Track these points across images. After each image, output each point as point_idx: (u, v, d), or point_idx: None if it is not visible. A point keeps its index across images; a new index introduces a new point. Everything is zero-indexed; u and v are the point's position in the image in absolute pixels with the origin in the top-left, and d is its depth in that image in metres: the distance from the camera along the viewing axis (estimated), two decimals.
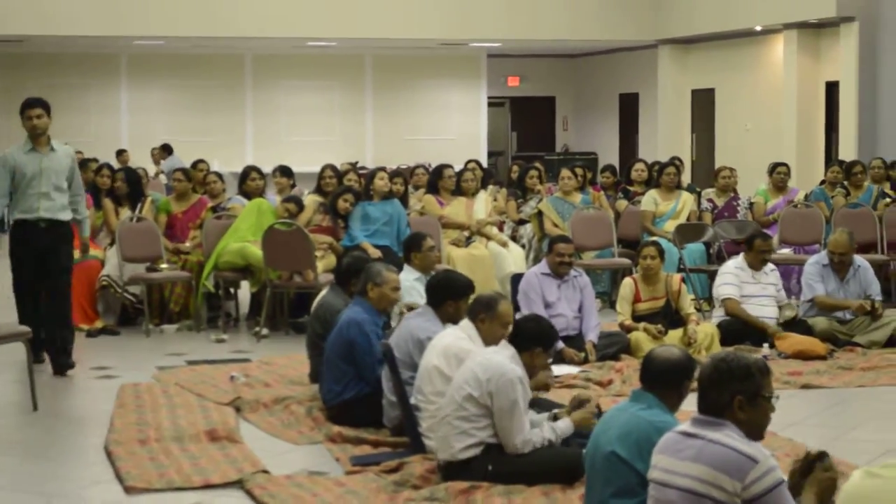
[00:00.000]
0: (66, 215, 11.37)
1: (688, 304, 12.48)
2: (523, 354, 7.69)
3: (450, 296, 8.79)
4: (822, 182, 18.38)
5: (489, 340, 8.07)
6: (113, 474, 8.14)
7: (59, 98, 29.01)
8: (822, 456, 5.70)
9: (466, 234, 15.30)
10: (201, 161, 17.30)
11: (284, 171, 16.16)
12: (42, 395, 10.15)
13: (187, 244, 14.55)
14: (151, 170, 24.06)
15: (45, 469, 8.38)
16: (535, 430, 7.61)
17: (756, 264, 12.70)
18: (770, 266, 12.96)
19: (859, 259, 13.09)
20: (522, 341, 7.77)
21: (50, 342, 11.43)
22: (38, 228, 11.24)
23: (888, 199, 17.19)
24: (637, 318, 12.24)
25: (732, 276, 12.70)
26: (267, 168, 16.92)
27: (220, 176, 16.34)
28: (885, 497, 4.62)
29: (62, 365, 11.35)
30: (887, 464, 4.71)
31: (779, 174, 17.54)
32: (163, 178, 23.16)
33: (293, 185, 16.26)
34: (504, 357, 7.63)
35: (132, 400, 10.21)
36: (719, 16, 26.15)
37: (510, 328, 8.11)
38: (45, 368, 11.27)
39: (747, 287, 12.65)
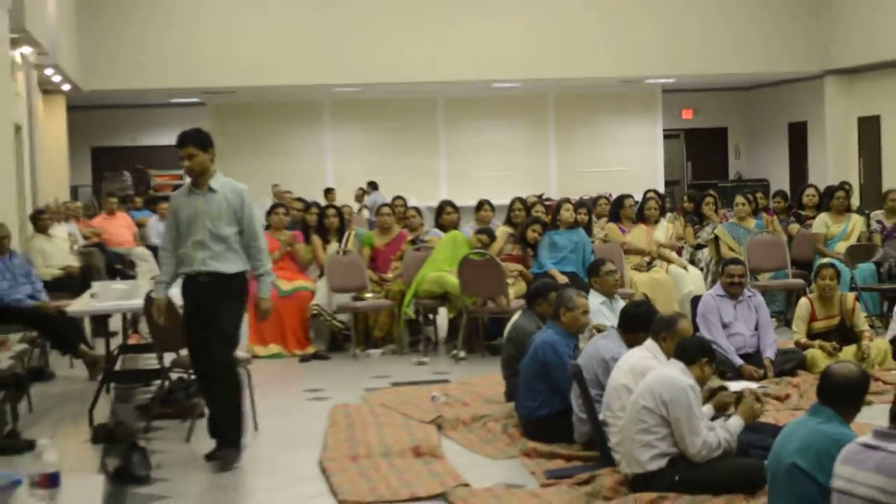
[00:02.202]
0: (230, 267, 8.97)
1: (861, 321, 12.27)
2: (692, 367, 7.74)
3: (644, 328, 8.69)
4: None
5: (671, 355, 8.03)
6: (327, 489, 8.26)
7: (268, 143, 29.83)
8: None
9: (647, 259, 15.18)
10: (399, 197, 17.41)
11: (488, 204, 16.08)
12: (262, 416, 10.31)
13: (389, 274, 14.68)
14: (355, 207, 24.27)
15: (265, 484, 8.55)
16: (710, 433, 7.59)
17: None
18: None
19: None
20: (688, 355, 7.81)
21: (213, 425, 9.20)
22: (197, 283, 9.05)
23: None
24: (812, 336, 12.07)
25: None
26: (460, 202, 16.98)
27: (418, 210, 16.47)
28: None
29: (222, 458, 8.96)
30: None
31: None
32: (365, 213, 23.37)
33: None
34: (676, 370, 7.68)
35: (343, 419, 10.34)
36: (883, 46, 25.69)
37: None
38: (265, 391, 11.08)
39: None
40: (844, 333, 12.05)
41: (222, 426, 9.06)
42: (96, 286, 12.43)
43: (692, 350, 7.93)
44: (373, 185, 26.80)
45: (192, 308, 9.21)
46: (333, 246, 15.13)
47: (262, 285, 9.29)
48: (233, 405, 9.10)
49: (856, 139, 28.00)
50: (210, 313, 8.97)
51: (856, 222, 16.35)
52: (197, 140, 8.97)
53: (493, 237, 14.61)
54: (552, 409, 9.19)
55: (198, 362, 9.23)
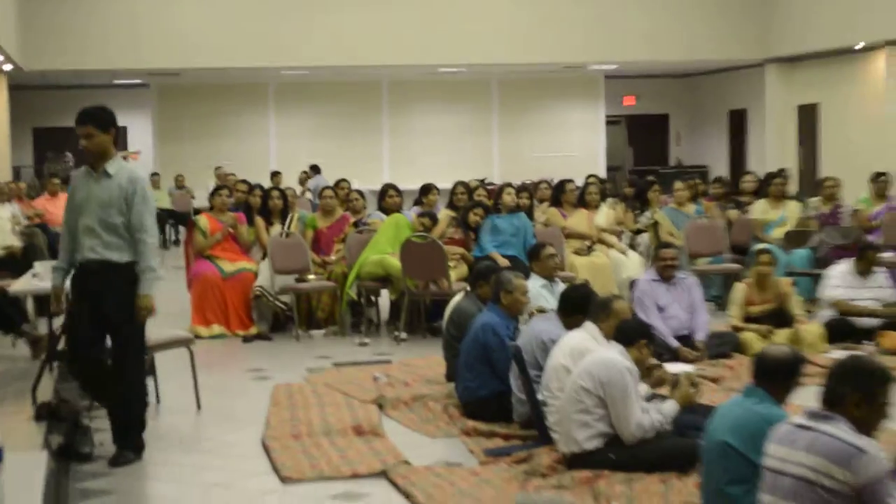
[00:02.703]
0: (120, 256, 8.11)
1: (796, 305, 12.39)
2: (630, 349, 7.81)
3: (583, 311, 8.72)
4: None
5: (611, 337, 8.09)
6: (269, 466, 8.26)
7: (213, 125, 29.82)
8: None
9: (588, 243, 15.23)
10: (343, 180, 17.36)
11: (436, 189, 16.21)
12: (204, 396, 10.28)
13: (332, 257, 14.66)
14: (298, 189, 24.22)
15: (207, 462, 8.51)
16: (645, 415, 7.67)
17: (864, 272, 12.54)
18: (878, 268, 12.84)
19: None
20: (626, 337, 7.89)
21: (111, 414, 8.55)
22: (86, 272, 8.26)
23: None
24: (748, 319, 12.22)
25: (840, 279, 12.59)
26: (403, 186, 16.99)
27: (361, 193, 16.39)
28: None
29: (119, 452, 8.31)
30: None
31: (881, 182, 17.38)
32: (308, 195, 23.32)
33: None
34: (614, 352, 7.75)
35: (285, 399, 10.32)
36: (823, 35, 25.92)
37: None
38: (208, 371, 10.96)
39: (854, 291, 12.52)
40: (779, 317, 12.18)
41: (120, 426, 8.35)
42: (38, 266, 12.36)
43: (630, 332, 8.01)
44: (315, 169, 26.85)
45: (78, 299, 8.51)
46: (276, 228, 15.12)
47: (143, 281, 8.14)
48: (131, 406, 8.38)
49: (795, 127, 28.25)
50: (99, 305, 8.22)
51: (793, 209, 16.53)
52: (97, 119, 8.23)
53: (435, 220, 14.72)
54: (492, 390, 9.21)
55: (80, 360, 8.52)
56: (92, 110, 8.31)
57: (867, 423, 5.36)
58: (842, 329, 12.30)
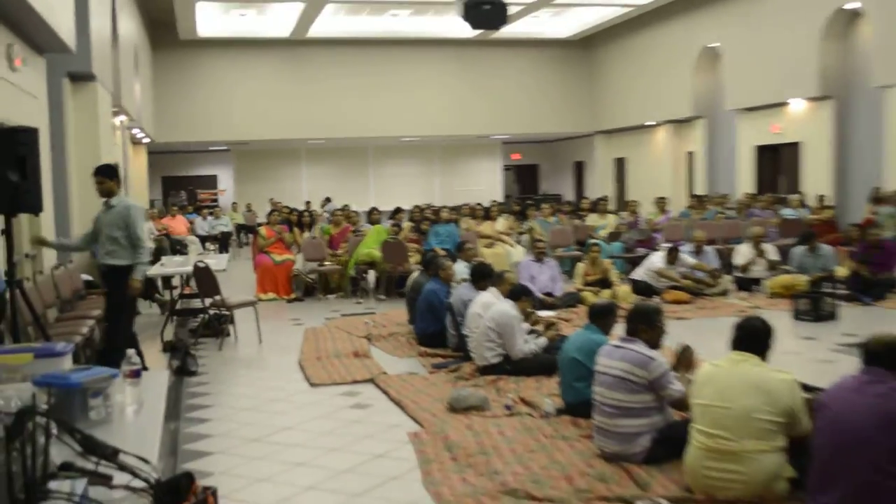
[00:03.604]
0: (119, 261, 7.68)
1: (614, 275, 12.46)
2: (518, 303, 7.93)
3: (488, 280, 8.73)
4: (688, 206, 18.27)
5: (506, 296, 8.12)
6: (303, 376, 8.26)
7: (268, 173, 29.67)
8: (686, 347, 5.79)
9: (492, 241, 15.27)
10: (346, 205, 17.37)
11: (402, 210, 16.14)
12: (264, 335, 10.28)
13: (340, 251, 14.53)
14: (319, 211, 24.14)
15: (265, 374, 8.49)
16: (526, 344, 7.77)
17: (672, 260, 12.51)
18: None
19: (708, 248, 13.02)
20: (515, 295, 8.03)
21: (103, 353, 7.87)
22: (102, 272, 8.03)
23: (722, 215, 17.16)
24: (586, 284, 12.24)
25: (659, 261, 12.59)
26: (382, 208, 17.03)
27: (356, 213, 16.47)
28: (720, 377, 4.64)
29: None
30: (724, 358, 4.73)
31: (660, 203, 17.56)
32: (326, 215, 23.28)
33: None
34: (507, 305, 7.81)
35: (312, 336, 10.31)
36: (628, 116, 26.13)
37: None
38: (265, 320, 10.99)
39: (666, 268, 12.54)
40: (604, 283, 12.24)
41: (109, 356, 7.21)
42: (164, 259, 12.45)
43: (517, 292, 8.06)
44: (328, 199, 26.66)
45: (103, 287, 8.26)
46: (307, 234, 15.27)
47: (135, 271, 7.64)
48: (115, 344, 7.49)
49: (612, 171, 28.41)
50: (109, 292, 7.85)
51: (611, 219, 16.72)
52: (105, 172, 7.78)
53: (401, 228, 14.78)
54: (435, 328, 9.22)
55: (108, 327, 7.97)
56: (103, 167, 7.91)
57: (653, 342, 5.44)
58: (643, 289, 12.39)
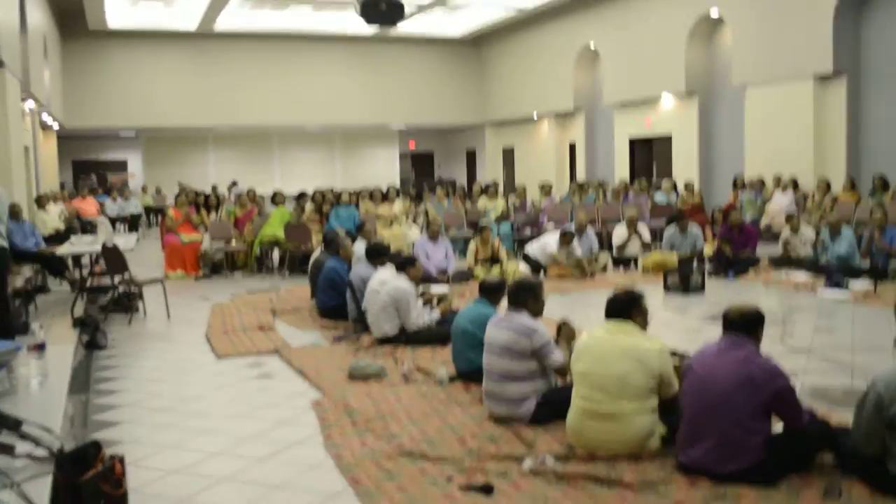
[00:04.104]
0: None
1: (503, 254, 12.52)
2: (406, 274, 7.85)
3: (379, 256, 8.68)
4: (570, 191, 18.50)
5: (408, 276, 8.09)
6: (209, 349, 8.10)
7: (177, 158, 28.94)
8: (565, 322, 5.83)
9: (390, 221, 15.22)
10: (251, 189, 17.04)
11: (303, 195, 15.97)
12: (172, 309, 10.04)
13: (245, 231, 14.30)
14: (227, 194, 23.72)
15: (174, 348, 8.27)
16: (419, 318, 7.77)
17: (564, 244, 12.43)
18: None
19: (589, 228, 13.18)
20: (402, 266, 7.92)
21: None
22: None
23: (601, 199, 17.46)
24: (477, 262, 12.26)
25: (553, 243, 12.59)
26: (286, 192, 16.86)
27: (261, 196, 16.31)
28: (597, 345, 4.69)
29: None
30: (598, 327, 4.78)
31: (546, 187, 17.73)
32: (232, 198, 22.91)
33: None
34: (403, 281, 7.75)
35: (219, 311, 10.11)
36: (516, 109, 26.34)
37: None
38: (173, 296, 10.75)
39: (558, 251, 12.52)
40: (494, 261, 12.27)
41: None
42: (73, 238, 12.00)
43: (404, 262, 8.01)
44: (234, 183, 26.18)
45: None
46: (213, 215, 14.99)
47: None
48: None
49: (501, 159, 28.62)
50: None
51: (501, 202, 16.80)
52: None
53: (303, 210, 14.59)
54: (336, 303, 9.11)
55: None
56: None
57: (536, 312, 5.46)
58: (533, 265, 12.45)
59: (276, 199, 15.27)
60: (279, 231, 13.71)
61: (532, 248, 12.74)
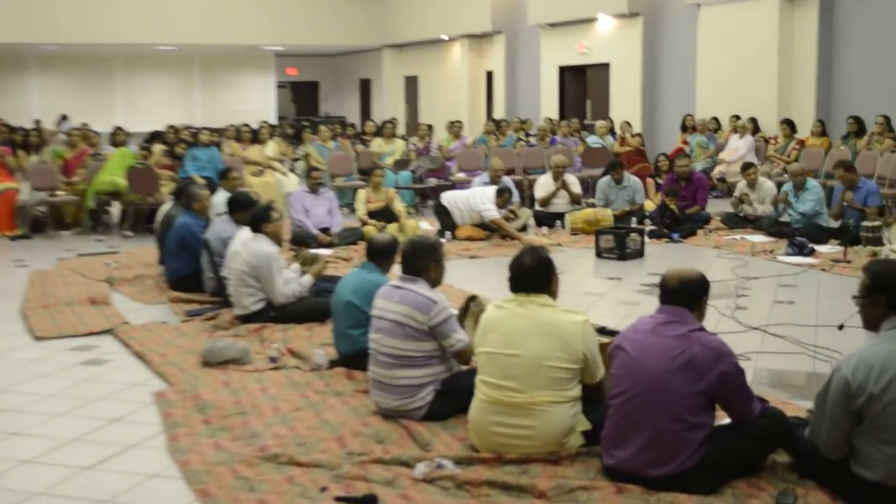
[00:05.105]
0: None
1: (400, 207, 12.54)
2: (263, 233, 7.71)
3: (244, 209, 8.53)
4: (485, 132, 18.53)
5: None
6: (25, 328, 7.95)
7: None
8: (474, 297, 5.84)
9: (260, 168, 15.12)
10: (85, 124, 16.68)
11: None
12: None
13: (75, 178, 14.06)
14: (52, 130, 23.12)
15: None
16: (287, 286, 7.70)
17: (502, 205, 12.33)
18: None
19: (506, 178, 13.21)
20: (255, 223, 7.76)
21: None
22: None
23: (522, 142, 17.58)
24: (369, 214, 12.25)
25: (490, 202, 12.39)
26: (130, 129, 16.65)
27: (97, 133, 16.10)
28: (506, 321, 4.71)
29: None
30: (506, 299, 4.80)
31: (455, 127, 17.80)
32: (60, 136, 22.32)
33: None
34: (261, 244, 7.66)
35: (39, 280, 9.95)
36: (421, 29, 26.30)
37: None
38: None
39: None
40: (388, 216, 12.27)
41: None
42: None
43: (258, 218, 7.83)
44: (64, 117, 25.52)
45: None
46: (34, 157, 14.72)
47: None
48: None
49: (403, 91, 28.62)
50: None
51: (399, 145, 16.90)
52: None
53: (151, 151, 14.56)
54: (190, 270, 8.97)
55: None
56: None
57: (437, 281, 5.47)
58: (444, 223, 12.37)
59: (117, 137, 15.13)
60: (120, 178, 13.51)
61: (449, 199, 12.56)
